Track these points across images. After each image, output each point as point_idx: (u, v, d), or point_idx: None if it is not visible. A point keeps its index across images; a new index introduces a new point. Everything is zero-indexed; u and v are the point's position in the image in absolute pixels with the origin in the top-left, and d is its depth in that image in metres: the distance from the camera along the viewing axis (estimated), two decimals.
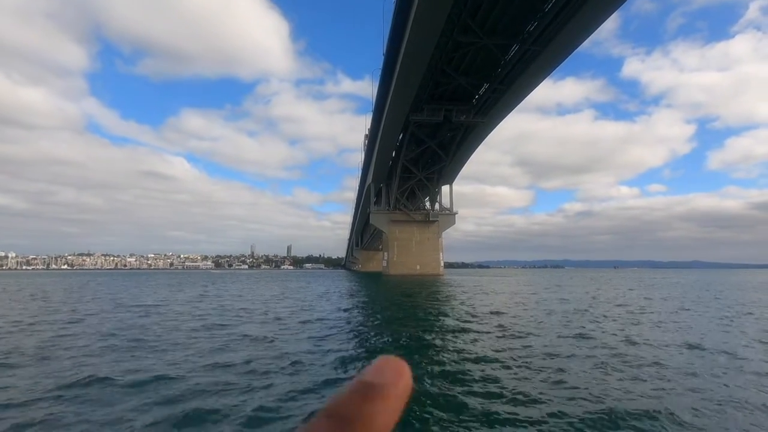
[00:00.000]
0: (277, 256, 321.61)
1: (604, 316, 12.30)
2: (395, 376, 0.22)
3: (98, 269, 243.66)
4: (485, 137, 49.26)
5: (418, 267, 57.42)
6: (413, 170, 54.44)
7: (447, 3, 25.69)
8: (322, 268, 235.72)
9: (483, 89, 40.97)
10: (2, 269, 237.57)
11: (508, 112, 43.34)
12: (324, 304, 17.13)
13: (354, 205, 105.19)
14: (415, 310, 14.31)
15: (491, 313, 13.29)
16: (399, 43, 32.45)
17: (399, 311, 13.97)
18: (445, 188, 59.64)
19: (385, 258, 61.15)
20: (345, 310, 14.56)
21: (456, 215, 59.69)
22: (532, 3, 28.32)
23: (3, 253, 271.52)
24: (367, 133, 62.13)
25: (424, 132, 47.57)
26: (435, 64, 35.30)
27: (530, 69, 34.30)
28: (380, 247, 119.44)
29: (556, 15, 28.22)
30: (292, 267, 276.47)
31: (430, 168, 55.46)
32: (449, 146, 50.04)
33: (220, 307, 15.67)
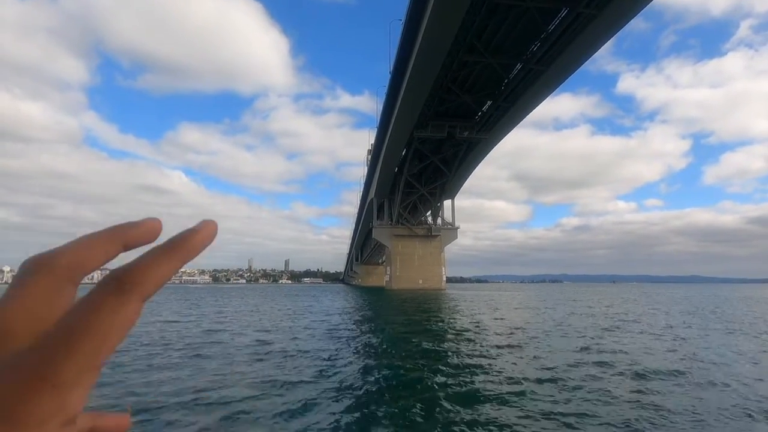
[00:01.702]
0: (274, 270, 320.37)
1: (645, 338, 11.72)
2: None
3: (94, 283, 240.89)
4: (488, 153, 50.04)
5: (420, 281, 57.51)
6: (416, 185, 55.01)
7: (455, 25, 26.53)
8: (320, 283, 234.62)
9: (486, 106, 41.80)
10: None
11: (511, 129, 44.16)
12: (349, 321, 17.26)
13: (354, 220, 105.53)
14: (439, 329, 14.52)
15: (516, 330, 13.49)
16: (406, 63, 33.26)
17: (424, 332, 14.17)
18: (446, 203, 60.27)
19: (388, 272, 61.17)
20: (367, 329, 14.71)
21: (458, 230, 60.08)
22: (536, 24, 29.19)
23: None
24: (370, 148, 62.89)
25: (427, 147, 48.31)
26: (440, 83, 36.09)
27: (533, 87, 35.14)
28: (380, 261, 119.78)
29: (559, 36, 29.12)
30: (290, 281, 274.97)
31: (432, 183, 56.06)
32: (452, 161, 50.76)
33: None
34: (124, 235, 0.22)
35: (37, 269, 0.19)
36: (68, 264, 0.19)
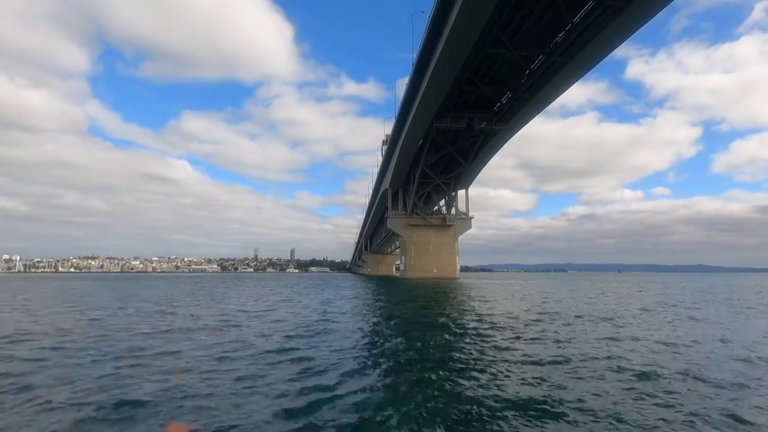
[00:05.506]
0: (280, 259, 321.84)
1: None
2: None
3: (105, 272, 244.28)
4: (504, 143, 50.45)
5: (434, 270, 58.45)
6: (431, 175, 55.55)
7: (482, 19, 26.85)
8: (327, 272, 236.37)
9: (506, 97, 42.13)
10: (10, 272, 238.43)
11: (529, 120, 44.51)
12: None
13: (364, 209, 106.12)
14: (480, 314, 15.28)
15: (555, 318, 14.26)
16: (429, 56, 33.54)
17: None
18: (460, 193, 60.87)
19: (403, 261, 62.21)
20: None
21: (472, 219, 60.75)
22: (561, 17, 29.45)
23: (7, 256, 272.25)
24: (385, 139, 63.28)
25: (444, 138, 48.76)
26: (462, 74, 36.40)
27: (554, 79, 35.46)
28: (390, 251, 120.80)
29: (585, 29, 29.39)
30: (297, 270, 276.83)
31: (447, 173, 56.60)
32: (468, 152, 51.21)
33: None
34: None
35: None
36: None
